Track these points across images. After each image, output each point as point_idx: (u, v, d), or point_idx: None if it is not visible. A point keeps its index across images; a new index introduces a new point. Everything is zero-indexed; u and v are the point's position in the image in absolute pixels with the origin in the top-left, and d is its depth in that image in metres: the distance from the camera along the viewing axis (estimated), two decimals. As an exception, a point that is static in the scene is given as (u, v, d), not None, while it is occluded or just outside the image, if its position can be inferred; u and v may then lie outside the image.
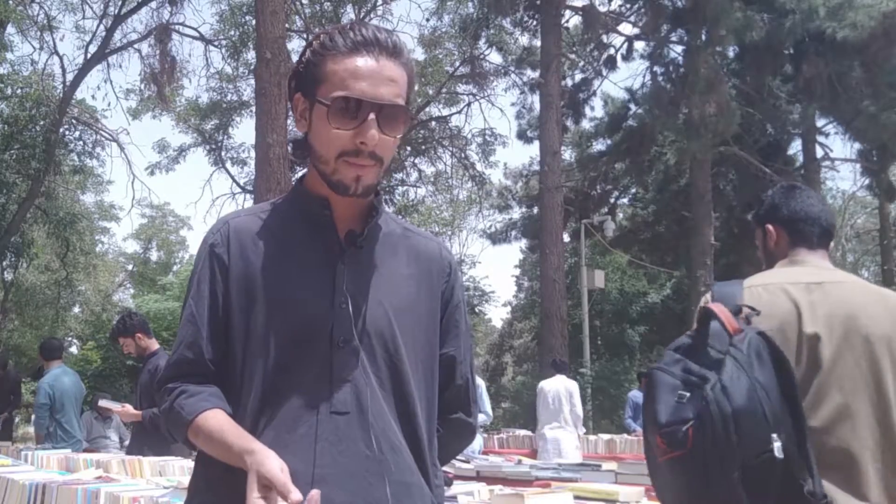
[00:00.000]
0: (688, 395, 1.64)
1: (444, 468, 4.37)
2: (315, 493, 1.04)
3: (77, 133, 18.29)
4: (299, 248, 1.26)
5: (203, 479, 1.25)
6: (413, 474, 1.23)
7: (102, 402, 5.65)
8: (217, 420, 1.18)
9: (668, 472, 1.73)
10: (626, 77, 76.74)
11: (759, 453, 1.58)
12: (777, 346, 1.70)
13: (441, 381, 1.33)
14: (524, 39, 19.52)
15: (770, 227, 2.07)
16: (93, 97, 22.62)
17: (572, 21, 18.30)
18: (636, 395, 9.11)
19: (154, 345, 4.90)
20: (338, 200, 1.28)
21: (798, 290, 1.89)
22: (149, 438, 4.49)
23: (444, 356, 1.34)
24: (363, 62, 1.22)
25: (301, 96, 1.28)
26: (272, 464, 1.06)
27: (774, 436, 1.58)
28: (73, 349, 23.92)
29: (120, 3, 16.63)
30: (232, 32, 18.04)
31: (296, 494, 1.02)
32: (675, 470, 1.69)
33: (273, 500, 1.03)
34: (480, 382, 7.48)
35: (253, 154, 17.27)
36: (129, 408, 4.79)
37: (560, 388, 7.62)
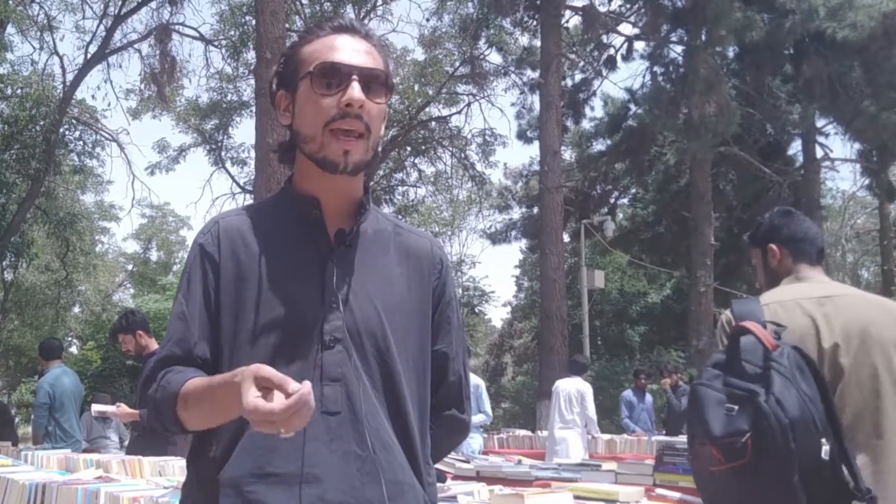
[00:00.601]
0: (736, 408, 1.80)
1: (444, 469, 4.33)
2: (307, 384, 0.99)
3: (77, 133, 18.33)
4: (289, 248, 1.27)
5: (196, 479, 1.25)
6: (405, 473, 1.23)
7: (97, 407, 5.58)
8: (202, 378, 1.17)
9: (723, 482, 1.86)
10: (626, 77, 76.82)
11: (815, 458, 1.75)
12: (812, 358, 1.88)
13: (434, 378, 1.33)
14: (524, 39, 19.53)
15: (773, 246, 2.27)
16: (93, 97, 22.67)
17: (572, 21, 18.31)
18: (629, 394, 9.14)
19: (153, 344, 4.89)
20: (327, 199, 1.28)
21: (812, 305, 2.08)
22: (149, 440, 4.50)
23: (436, 353, 1.34)
24: (340, 39, 1.27)
25: (283, 92, 1.31)
26: (266, 367, 1.03)
27: (823, 440, 1.76)
28: (73, 349, 23.94)
29: (120, 3, 16.62)
30: (232, 32, 18.04)
31: (294, 384, 0.99)
32: (733, 480, 1.82)
33: (271, 396, 0.99)
34: (480, 382, 7.49)
35: (253, 154, 17.24)
36: (124, 407, 4.80)
37: (572, 390, 7.66)
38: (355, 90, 1.22)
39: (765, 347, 1.89)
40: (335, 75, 1.24)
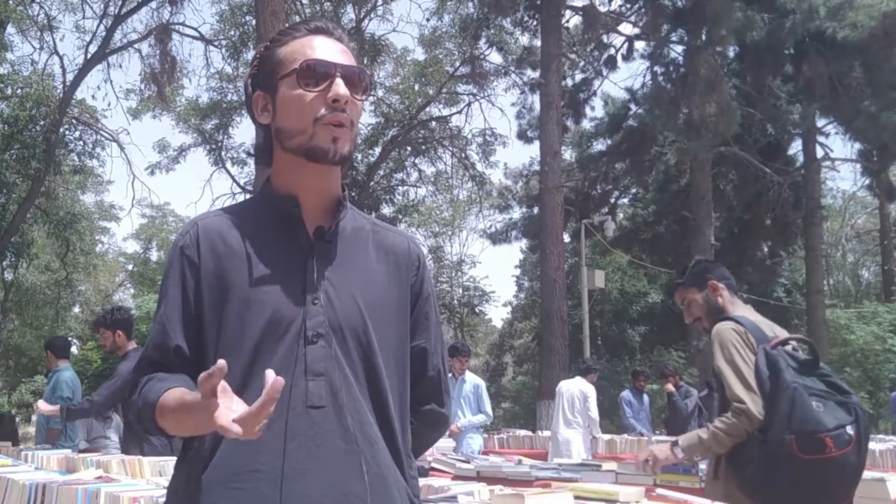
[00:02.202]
0: (822, 405, 2.41)
1: (444, 469, 4.31)
2: (279, 380, 1.02)
3: (77, 133, 18.31)
4: (269, 246, 1.28)
5: (184, 477, 1.26)
6: (388, 466, 1.25)
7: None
8: (177, 391, 1.18)
9: (808, 469, 2.39)
10: (627, 77, 76.87)
11: None
12: None
13: (413, 373, 1.36)
14: (524, 39, 19.54)
15: (715, 282, 2.86)
16: (93, 97, 22.74)
17: (572, 21, 18.32)
18: (628, 395, 9.14)
19: (129, 346, 5.03)
20: (306, 197, 1.30)
21: (772, 328, 2.75)
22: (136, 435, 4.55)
23: (415, 348, 1.37)
24: (318, 40, 1.32)
25: (261, 93, 1.34)
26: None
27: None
28: (74, 349, 23.93)
29: (120, 3, 16.63)
30: (232, 32, 18.06)
31: (219, 363, 1.00)
32: (826, 466, 2.38)
33: (222, 397, 1.03)
34: (481, 382, 7.49)
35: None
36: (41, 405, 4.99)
37: (575, 391, 7.66)
38: (340, 86, 1.26)
39: (818, 359, 2.53)
40: (320, 72, 1.27)
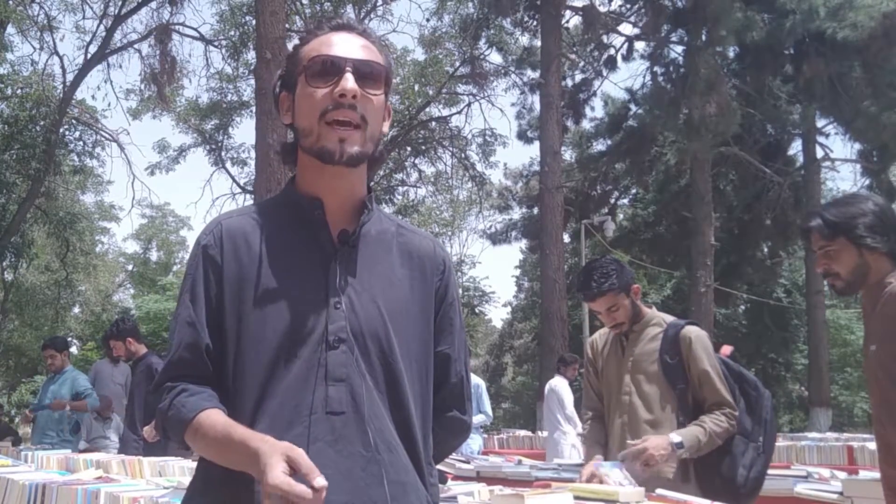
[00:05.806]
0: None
1: (444, 469, 4.30)
2: (322, 481, 1.02)
3: (77, 133, 18.31)
4: (292, 248, 1.26)
5: (202, 481, 1.25)
6: (409, 473, 1.23)
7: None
8: (222, 417, 1.16)
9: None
10: (627, 77, 76.85)
11: None
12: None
13: (436, 379, 1.33)
14: (524, 39, 19.53)
15: (638, 286, 2.83)
16: (93, 97, 22.74)
17: (572, 21, 18.31)
18: None
19: (143, 349, 5.23)
20: (330, 199, 1.27)
21: None
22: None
23: (438, 354, 1.34)
24: (337, 36, 1.29)
25: (285, 93, 1.32)
26: (299, 449, 1.05)
27: None
28: (74, 349, 23.92)
29: (120, 3, 16.62)
30: (232, 32, 18.04)
31: (322, 479, 1.00)
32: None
33: (297, 479, 1.01)
34: (480, 382, 7.45)
35: (253, 154, 17.22)
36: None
37: (552, 389, 7.57)
38: (348, 81, 1.22)
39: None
40: (330, 68, 1.24)
